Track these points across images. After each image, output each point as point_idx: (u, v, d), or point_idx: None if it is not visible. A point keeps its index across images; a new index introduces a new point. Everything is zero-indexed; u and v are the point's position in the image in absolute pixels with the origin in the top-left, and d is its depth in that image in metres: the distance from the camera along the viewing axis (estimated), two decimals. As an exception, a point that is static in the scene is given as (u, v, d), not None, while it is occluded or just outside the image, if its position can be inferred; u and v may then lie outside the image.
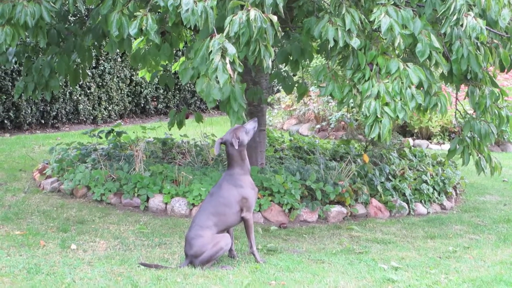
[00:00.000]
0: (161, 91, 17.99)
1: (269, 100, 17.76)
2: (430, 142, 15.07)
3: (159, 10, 7.56)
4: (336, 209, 8.48)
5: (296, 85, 8.95)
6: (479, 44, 7.14)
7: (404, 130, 15.50)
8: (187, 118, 9.86)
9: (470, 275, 6.58)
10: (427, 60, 6.79)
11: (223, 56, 5.92)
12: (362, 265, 6.70)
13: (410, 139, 15.03)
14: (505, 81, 16.29)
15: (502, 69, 7.62)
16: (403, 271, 6.60)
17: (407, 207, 9.05)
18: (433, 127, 15.11)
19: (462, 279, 6.44)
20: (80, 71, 9.01)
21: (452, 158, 7.95)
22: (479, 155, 7.62)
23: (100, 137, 10.23)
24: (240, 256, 6.77)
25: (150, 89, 17.59)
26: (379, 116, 6.36)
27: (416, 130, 15.40)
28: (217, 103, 6.47)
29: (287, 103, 17.13)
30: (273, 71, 8.85)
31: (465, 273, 6.63)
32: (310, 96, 16.43)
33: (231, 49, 5.94)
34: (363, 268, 6.60)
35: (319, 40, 6.97)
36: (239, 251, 6.88)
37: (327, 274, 6.34)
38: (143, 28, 6.39)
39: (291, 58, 7.95)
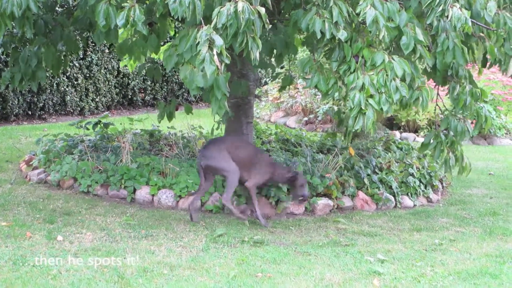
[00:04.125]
0: (149, 82, 17.94)
1: (256, 92, 17.74)
2: (417, 135, 15.11)
3: (146, 1, 7.54)
4: (323, 201, 8.49)
5: (280, 77, 8.97)
6: (466, 34, 7.14)
7: (391, 123, 15.55)
8: (177, 110, 9.83)
9: (455, 267, 6.63)
10: (412, 53, 6.78)
11: (210, 48, 5.92)
12: (349, 258, 6.73)
13: (397, 132, 15.07)
14: (491, 75, 16.33)
15: (484, 65, 7.64)
16: (389, 263, 6.63)
17: (393, 199, 9.07)
18: (420, 120, 15.15)
19: (448, 271, 6.48)
20: (63, 59, 8.98)
21: (424, 152, 7.97)
22: (450, 154, 7.63)
23: (87, 129, 10.21)
24: (227, 248, 6.78)
25: (137, 80, 17.54)
26: (363, 108, 6.36)
27: (403, 123, 15.45)
28: (201, 91, 6.46)
29: (275, 95, 17.12)
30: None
31: (451, 266, 6.68)
32: (298, 88, 16.44)
33: (219, 40, 5.93)
34: (349, 261, 6.62)
35: (305, 32, 6.97)
36: (226, 243, 6.88)
37: (313, 267, 6.37)
38: (130, 19, 6.37)
39: (276, 51, 7.94)
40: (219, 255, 6.56)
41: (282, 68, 14.72)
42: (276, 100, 17.08)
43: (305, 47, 9.28)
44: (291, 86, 13.24)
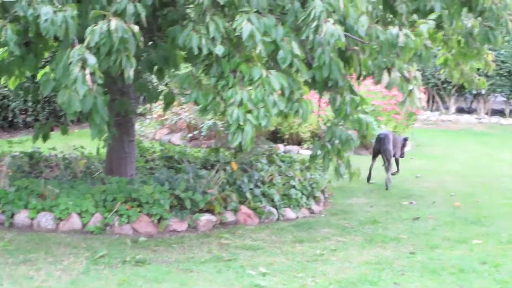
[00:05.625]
0: (30, 103, 17.53)
1: (141, 110, 17.64)
2: (301, 147, 15.29)
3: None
4: (205, 217, 8.49)
5: (163, 94, 8.92)
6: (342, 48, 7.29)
7: (275, 136, 15.68)
8: (52, 130, 9.65)
9: (336, 276, 6.74)
10: (289, 67, 6.87)
11: (83, 67, 5.84)
12: (231, 272, 6.74)
13: (281, 145, 15.22)
14: (371, 86, 16.68)
15: (358, 77, 7.80)
16: (271, 276, 6.68)
17: (276, 212, 9.14)
18: (303, 133, 15.35)
19: (329, 281, 6.59)
20: None
21: (313, 163, 8.09)
22: (339, 161, 7.76)
23: (-38, 155, 9.91)
24: (108, 269, 6.70)
25: (18, 102, 17.12)
26: (241, 123, 6.39)
27: (287, 136, 15.61)
28: (78, 115, 6.36)
29: (159, 112, 17.03)
30: (138, 81, 8.78)
31: (332, 275, 6.79)
32: (182, 105, 16.41)
33: (91, 60, 5.86)
34: (231, 275, 6.64)
35: (183, 48, 6.96)
36: (107, 264, 6.81)
37: (195, 283, 6.37)
38: (1, 39, 6.24)
39: (156, 67, 7.91)
40: (99, 276, 6.47)
41: (166, 85, 14.68)
42: (161, 118, 17.00)
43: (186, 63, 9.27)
44: (175, 103, 13.22)
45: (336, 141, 7.66)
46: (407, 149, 13.48)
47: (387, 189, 11.66)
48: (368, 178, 12.16)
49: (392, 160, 11.94)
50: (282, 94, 6.82)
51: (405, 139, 12.68)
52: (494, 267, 7.22)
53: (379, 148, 11.91)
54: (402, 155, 12.71)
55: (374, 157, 12.23)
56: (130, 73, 6.13)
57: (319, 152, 7.67)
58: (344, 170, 7.78)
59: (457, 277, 6.87)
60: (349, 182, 7.91)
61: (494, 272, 7.05)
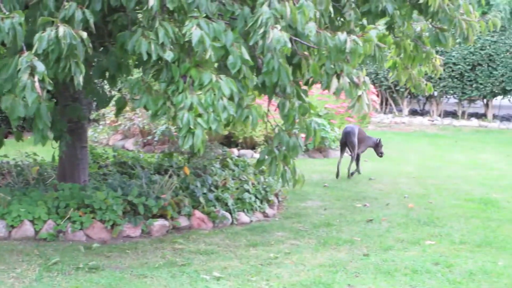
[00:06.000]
0: (-18, 110, 17.31)
1: (94, 116, 17.55)
2: (255, 152, 15.33)
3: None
4: (159, 222, 8.48)
5: (114, 99, 8.88)
6: (291, 54, 7.31)
7: (229, 140, 15.70)
8: (6, 137, 9.56)
9: (290, 280, 6.78)
10: (239, 73, 6.88)
11: (31, 74, 5.79)
12: (185, 277, 6.76)
13: (235, 149, 15.24)
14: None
15: (306, 83, 7.84)
16: (225, 280, 6.71)
17: (230, 217, 9.15)
18: (257, 137, 15.39)
19: (283, 284, 6.63)
20: None
21: (260, 168, 8.11)
22: (285, 167, 7.80)
23: None
24: (61, 276, 6.67)
25: (-31, 109, 16.88)
26: (192, 127, 6.39)
27: (241, 140, 15.64)
28: (22, 120, 6.31)
29: (112, 118, 16.94)
30: (89, 87, 8.73)
31: (286, 278, 6.83)
32: (135, 111, 16.33)
33: (40, 67, 5.80)
34: (185, 280, 6.66)
35: (133, 54, 6.94)
36: (60, 271, 6.78)
37: (149, 289, 6.37)
38: None
39: (108, 73, 7.88)
40: (52, 283, 6.44)
41: (119, 91, 14.62)
42: (114, 123, 16.91)
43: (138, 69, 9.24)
44: (128, 108, 13.18)
45: (283, 147, 7.69)
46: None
47: (348, 177, 12.92)
48: (337, 175, 12.83)
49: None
50: (232, 99, 6.83)
51: (379, 140, 13.56)
52: (447, 267, 7.33)
53: (345, 140, 12.87)
54: (380, 155, 13.56)
55: (342, 150, 13.12)
56: (79, 79, 6.09)
57: (266, 157, 7.71)
58: (290, 176, 7.81)
59: (410, 277, 6.96)
60: (293, 188, 7.91)
61: (447, 273, 7.16)
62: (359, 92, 7.38)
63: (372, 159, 14.18)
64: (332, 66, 7.26)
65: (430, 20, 9.00)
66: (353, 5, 7.92)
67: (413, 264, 7.39)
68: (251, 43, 6.72)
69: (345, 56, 7.21)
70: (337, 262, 7.44)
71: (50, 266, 6.93)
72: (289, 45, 6.64)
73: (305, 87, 7.95)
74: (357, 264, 7.42)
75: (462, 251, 8.04)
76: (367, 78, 7.56)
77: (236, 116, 6.83)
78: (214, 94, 6.53)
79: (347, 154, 13.16)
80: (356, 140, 12.86)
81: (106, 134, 17.24)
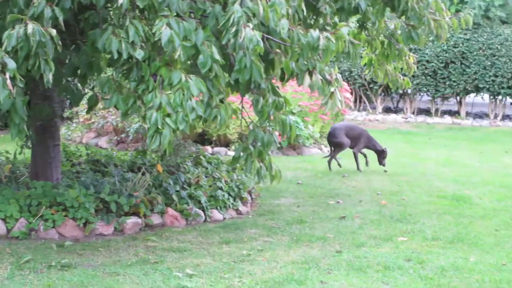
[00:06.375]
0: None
1: (67, 114, 17.47)
2: (229, 149, 15.33)
3: None
4: (132, 220, 8.46)
5: (86, 97, 8.84)
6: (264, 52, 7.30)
7: (203, 138, 15.69)
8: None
9: (263, 276, 6.80)
10: (209, 72, 6.86)
11: (2, 71, 5.76)
12: (157, 275, 6.75)
13: (209, 147, 15.24)
14: (298, 87, 16.80)
15: (281, 79, 7.84)
16: (198, 277, 6.72)
17: (203, 214, 9.16)
18: (230, 134, 15.39)
19: (255, 281, 6.65)
20: None
21: (235, 165, 8.11)
22: (261, 164, 7.80)
23: None
24: (33, 274, 6.65)
25: None
26: (160, 127, 6.36)
27: (214, 138, 15.64)
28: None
29: (85, 116, 16.87)
30: (61, 84, 8.68)
31: (259, 275, 6.84)
32: (109, 109, 16.28)
33: (11, 64, 5.77)
34: (158, 278, 6.65)
35: (103, 52, 6.91)
36: (32, 270, 6.75)
37: (121, 286, 6.37)
38: None
39: (80, 72, 7.84)
40: (24, 282, 6.42)
41: (92, 89, 14.55)
42: (87, 121, 16.84)
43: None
44: (101, 106, 13.14)
45: (259, 144, 7.69)
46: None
47: (330, 170, 13.52)
48: (329, 168, 13.65)
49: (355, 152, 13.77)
50: (202, 99, 6.81)
51: (383, 150, 13.79)
52: (419, 263, 7.38)
53: (330, 139, 13.59)
54: (381, 164, 13.77)
55: (330, 148, 13.70)
56: (49, 77, 6.06)
57: (241, 154, 7.70)
58: (265, 172, 7.81)
59: (382, 274, 7.01)
60: (270, 184, 7.93)
61: (419, 269, 7.21)
62: (332, 89, 7.40)
63: (346, 156, 14.21)
64: (305, 62, 7.27)
65: (402, 18, 9.05)
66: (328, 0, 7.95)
67: (386, 260, 7.43)
68: (224, 42, 6.70)
69: (318, 53, 7.22)
70: (310, 259, 7.46)
71: (22, 264, 6.90)
72: (262, 44, 6.64)
73: (279, 84, 7.96)
74: (329, 260, 7.45)
75: (434, 247, 8.10)
76: (339, 75, 7.59)
77: (205, 116, 6.82)
78: (183, 94, 6.50)
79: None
80: (338, 139, 13.38)
81: (79, 132, 17.16)
